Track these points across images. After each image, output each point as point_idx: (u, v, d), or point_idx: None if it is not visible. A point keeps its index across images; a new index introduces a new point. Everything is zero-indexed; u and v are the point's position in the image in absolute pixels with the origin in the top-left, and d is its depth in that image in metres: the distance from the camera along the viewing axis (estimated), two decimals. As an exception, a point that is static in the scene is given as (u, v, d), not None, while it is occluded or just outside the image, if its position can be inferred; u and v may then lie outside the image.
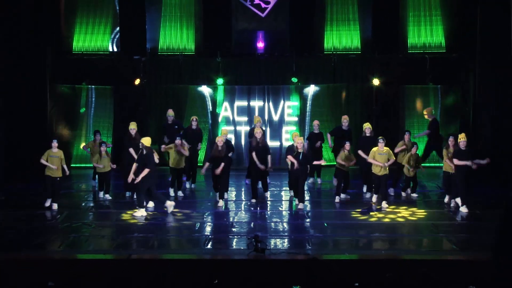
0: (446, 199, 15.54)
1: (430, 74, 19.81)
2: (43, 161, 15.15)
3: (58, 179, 15.28)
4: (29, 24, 18.43)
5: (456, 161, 14.63)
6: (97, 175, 16.60)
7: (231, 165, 16.06)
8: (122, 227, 13.86)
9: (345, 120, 17.20)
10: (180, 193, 16.37)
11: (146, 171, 14.29)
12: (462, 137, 14.77)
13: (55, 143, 15.36)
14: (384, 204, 15.10)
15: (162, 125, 18.25)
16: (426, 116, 18.52)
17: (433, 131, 18.34)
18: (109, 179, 16.19)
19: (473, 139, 18.71)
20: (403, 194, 16.39)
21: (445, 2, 19.99)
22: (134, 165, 14.68)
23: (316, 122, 17.78)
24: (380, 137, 15.26)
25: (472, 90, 19.35)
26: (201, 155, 19.17)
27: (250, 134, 16.96)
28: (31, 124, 18.67)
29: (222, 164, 15.21)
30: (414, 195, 16.25)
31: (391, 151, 15.36)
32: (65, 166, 15.37)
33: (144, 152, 14.46)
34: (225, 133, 16.41)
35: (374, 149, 15.28)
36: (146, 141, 14.75)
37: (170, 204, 14.74)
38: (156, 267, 11.12)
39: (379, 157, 15.18)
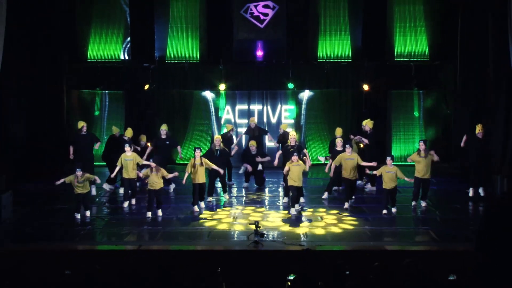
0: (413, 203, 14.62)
1: (415, 80, 19.69)
2: (117, 167, 14.90)
3: (135, 179, 14.94)
4: (48, 34, 18.39)
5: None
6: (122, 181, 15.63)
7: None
8: (132, 221, 13.88)
9: (292, 137, 15.81)
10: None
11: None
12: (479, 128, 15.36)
13: (127, 147, 14.83)
14: (346, 204, 14.68)
15: (153, 140, 16.89)
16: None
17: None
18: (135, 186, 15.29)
19: (453, 140, 18.91)
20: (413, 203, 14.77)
21: (429, 14, 19.87)
22: None
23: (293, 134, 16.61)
24: (347, 144, 14.95)
25: (453, 94, 19.39)
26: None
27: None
28: (49, 126, 18.66)
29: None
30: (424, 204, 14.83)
31: (359, 157, 14.79)
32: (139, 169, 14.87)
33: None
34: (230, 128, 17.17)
35: (342, 154, 14.79)
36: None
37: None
38: (164, 257, 11.11)
39: (345, 162, 14.64)
